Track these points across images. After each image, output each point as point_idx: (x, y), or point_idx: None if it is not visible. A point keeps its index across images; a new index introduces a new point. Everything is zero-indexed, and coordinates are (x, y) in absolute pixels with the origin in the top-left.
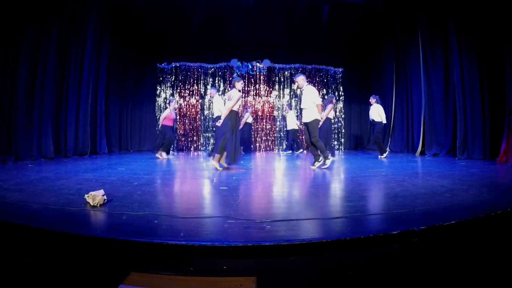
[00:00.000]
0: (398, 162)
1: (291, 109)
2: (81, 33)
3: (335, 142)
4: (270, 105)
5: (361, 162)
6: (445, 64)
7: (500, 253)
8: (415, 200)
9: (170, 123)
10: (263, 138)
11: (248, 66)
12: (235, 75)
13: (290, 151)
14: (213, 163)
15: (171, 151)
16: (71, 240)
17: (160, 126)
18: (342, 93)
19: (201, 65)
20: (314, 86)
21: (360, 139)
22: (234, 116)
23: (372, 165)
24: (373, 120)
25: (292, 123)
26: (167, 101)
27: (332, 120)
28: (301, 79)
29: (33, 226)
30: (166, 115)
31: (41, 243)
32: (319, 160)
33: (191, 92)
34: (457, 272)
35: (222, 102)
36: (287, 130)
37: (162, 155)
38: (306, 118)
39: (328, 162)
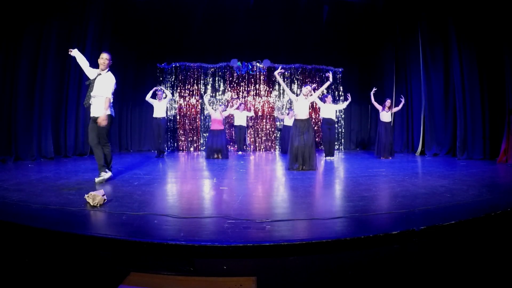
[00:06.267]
0: (398, 162)
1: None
2: (81, 33)
3: (335, 142)
4: (270, 105)
5: (361, 162)
6: (445, 64)
7: (500, 253)
8: (415, 200)
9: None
10: (263, 138)
11: (248, 66)
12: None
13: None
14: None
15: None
16: (71, 240)
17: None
18: (342, 93)
19: (201, 65)
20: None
21: (361, 139)
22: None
23: (372, 165)
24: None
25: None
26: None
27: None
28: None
29: (33, 226)
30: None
31: (41, 243)
32: None
33: (191, 92)
34: (457, 272)
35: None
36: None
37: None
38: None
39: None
